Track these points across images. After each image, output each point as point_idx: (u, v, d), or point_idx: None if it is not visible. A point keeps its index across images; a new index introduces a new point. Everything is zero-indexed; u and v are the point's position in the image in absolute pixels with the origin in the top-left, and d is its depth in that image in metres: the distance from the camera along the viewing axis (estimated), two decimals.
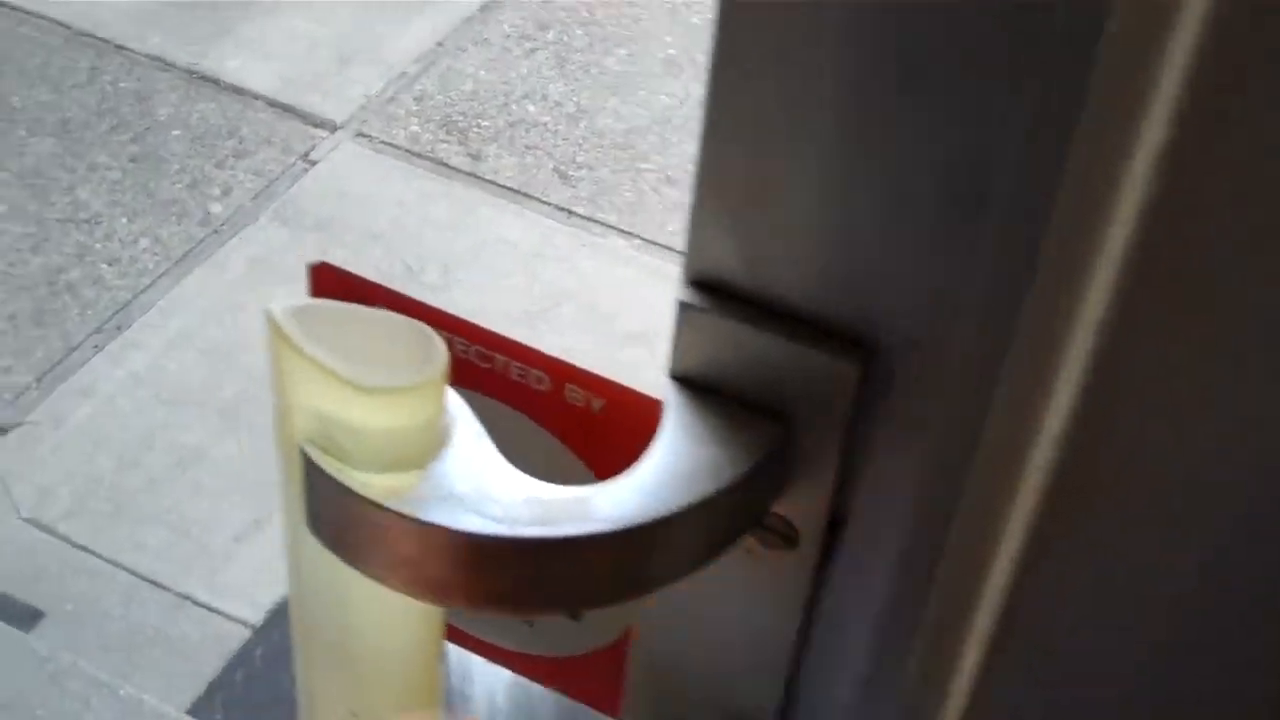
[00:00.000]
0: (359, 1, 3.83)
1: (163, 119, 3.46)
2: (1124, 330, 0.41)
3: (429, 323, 0.53)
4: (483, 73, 3.66)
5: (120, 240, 3.17)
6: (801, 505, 0.52)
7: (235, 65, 3.61)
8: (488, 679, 0.85)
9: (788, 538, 0.53)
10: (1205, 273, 0.40)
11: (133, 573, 2.57)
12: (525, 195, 3.35)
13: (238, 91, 3.55)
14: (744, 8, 0.44)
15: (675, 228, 3.24)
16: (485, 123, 3.53)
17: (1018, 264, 0.43)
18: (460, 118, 3.53)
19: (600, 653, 0.71)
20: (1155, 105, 0.37)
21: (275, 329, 0.48)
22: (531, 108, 3.58)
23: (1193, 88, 0.36)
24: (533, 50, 3.74)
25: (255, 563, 2.59)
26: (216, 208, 3.26)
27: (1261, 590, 0.45)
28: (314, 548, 0.50)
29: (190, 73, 3.58)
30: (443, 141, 3.47)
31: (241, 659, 2.17)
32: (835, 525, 0.53)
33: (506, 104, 3.58)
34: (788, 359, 0.49)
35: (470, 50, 3.72)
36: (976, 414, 0.47)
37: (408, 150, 3.44)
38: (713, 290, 0.50)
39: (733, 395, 0.50)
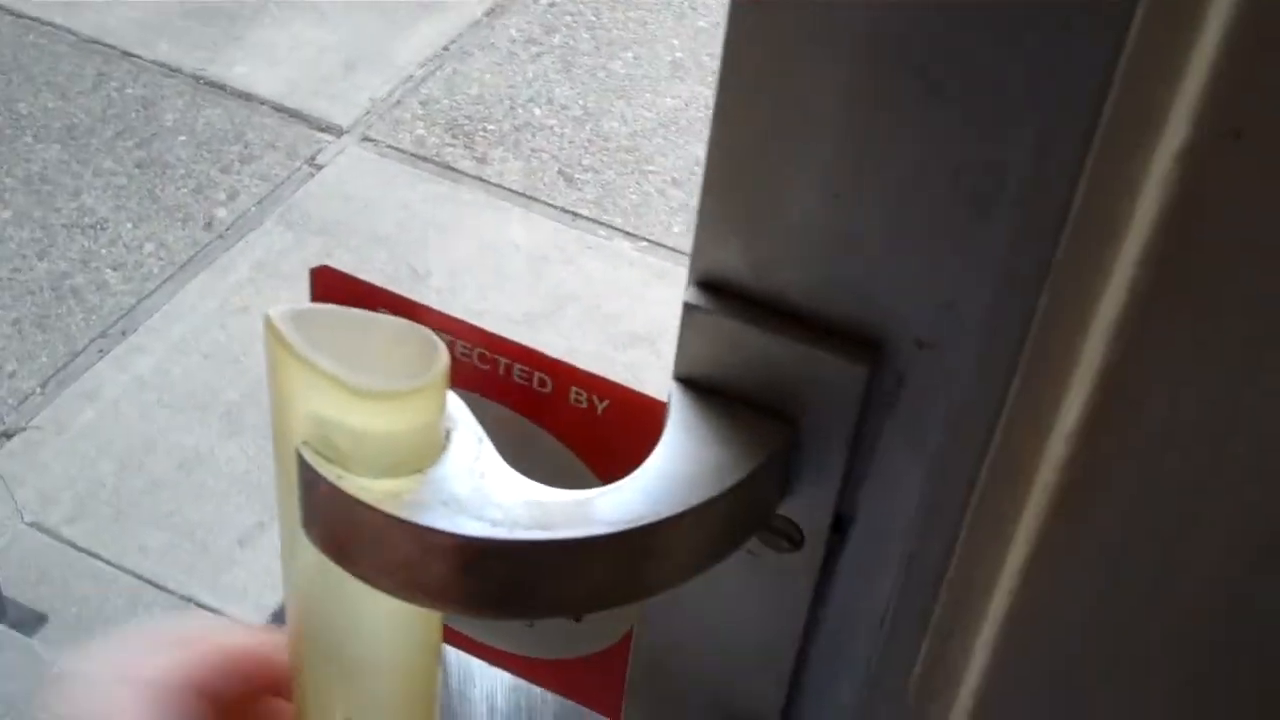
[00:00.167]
0: (365, 6, 3.83)
1: (169, 125, 3.46)
2: (1136, 336, 0.41)
3: (430, 325, 0.52)
4: (488, 77, 3.66)
5: (125, 245, 3.17)
6: (806, 507, 0.52)
7: (242, 71, 3.61)
8: (488, 681, 0.84)
9: (792, 539, 0.52)
10: (1219, 279, 0.39)
11: (136, 576, 2.57)
12: (531, 198, 3.35)
13: (244, 97, 3.55)
14: (754, 10, 0.43)
15: (680, 230, 3.24)
16: (491, 126, 3.53)
17: (1029, 267, 0.43)
18: (466, 121, 3.53)
19: (601, 654, 0.70)
20: (1174, 109, 0.37)
21: (273, 333, 0.47)
22: (537, 111, 3.58)
23: (1212, 93, 0.36)
24: (539, 54, 3.75)
25: (258, 565, 2.59)
26: (222, 212, 3.26)
27: (1271, 598, 0.44)
28: (310, 551, 0.50)
29: (196, 79, 3.59)
30: (448, 145, 3.47)
31: None
32: (840, 526, 0.52)
33: (512, 108, 3.58)
34: (794, 360, 0.48)
35: (476, 54, 3.72)
36: (984, 416, 0.46)
37: (413, 154, 3.44)
38: (718, 291, 0.49)
39: (738, 396, 0.50)
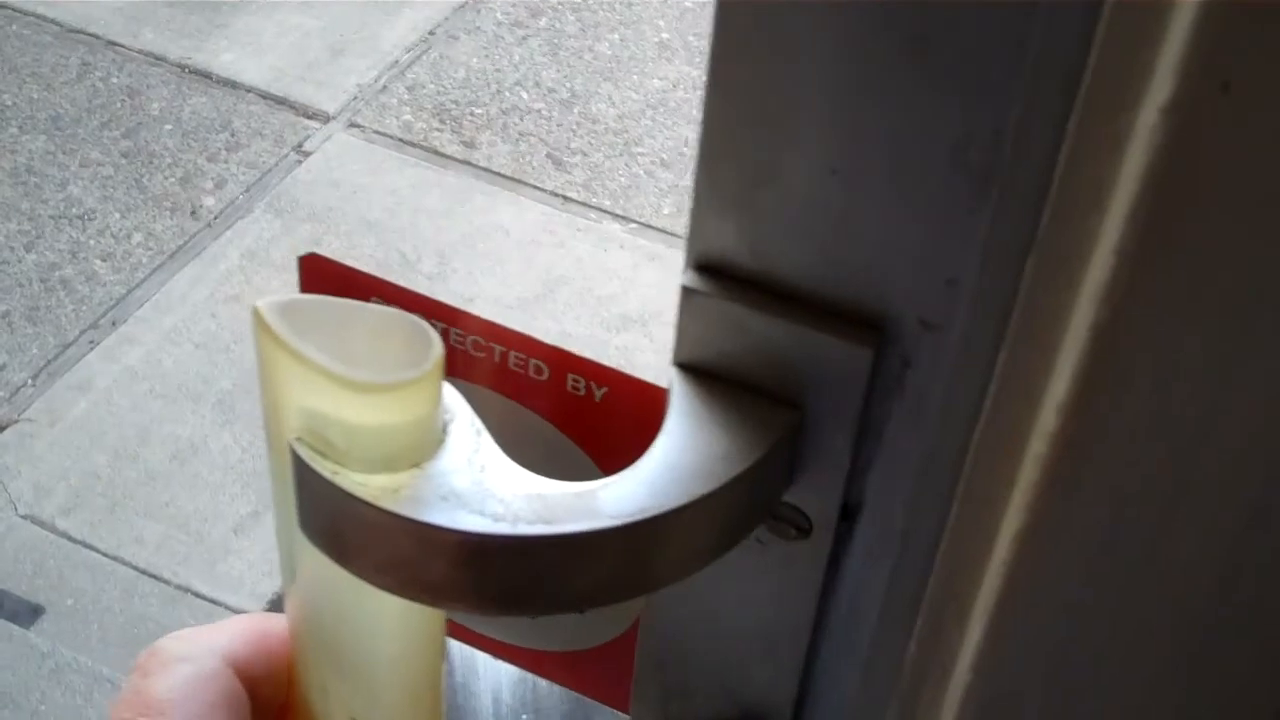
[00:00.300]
0: None
1: (155, 114, 3.45)
2: (1125, 298, 0.40)
3: (423, 313, 0.51)
4: (475, 60, 3.65)
5: (113, 235, 3.16)
6: (814, 494, 0.50)
7: (228, 59, 3.60)
8: (492, 675, 0.83)
9: (800, 527, 0.51)
10: (1208, 236, 0.38)
11: (132, 566, 2.57)
12: (519, 182, 3.34)
13: (230, 85, 3.54)
14: None
15: (670, 211, 3.23)
16: (478, 110, 3.51)
17: (1017, 234, 0.42)
18: (453, 106, 3.52)
19: (607, 646, 0.69)
20: (1160, 63, 0.36)
21: (262, 325, 0.46)
22: (524, 94, 3.57)
23: (1199, 56, 0.35)
24: (525, 37, 3.73)
25: (254, 554, 2.59)
26: (209, 201, 3.25)
27: (1264, 565, 0.44)
28: (308, 549, 0.49)
29: (182, 67, 3.57)
30: (436, 130, 3.45)
31: None
32: (849, 513, 0.51)
33: (499, 91, 3.57)
34: (797, 343, 0.47)
35: (462, 38, 3.71)
36: (975, 390, 0.45)
37: (401, 140, 3.43)
38: (716, 274, 0.48)
39: (740, 382, 0.49)
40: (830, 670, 0.57)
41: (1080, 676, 0.50)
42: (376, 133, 3.45)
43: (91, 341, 2.95)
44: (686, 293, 0.48)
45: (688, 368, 0.49)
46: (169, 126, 3.41)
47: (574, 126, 3.49)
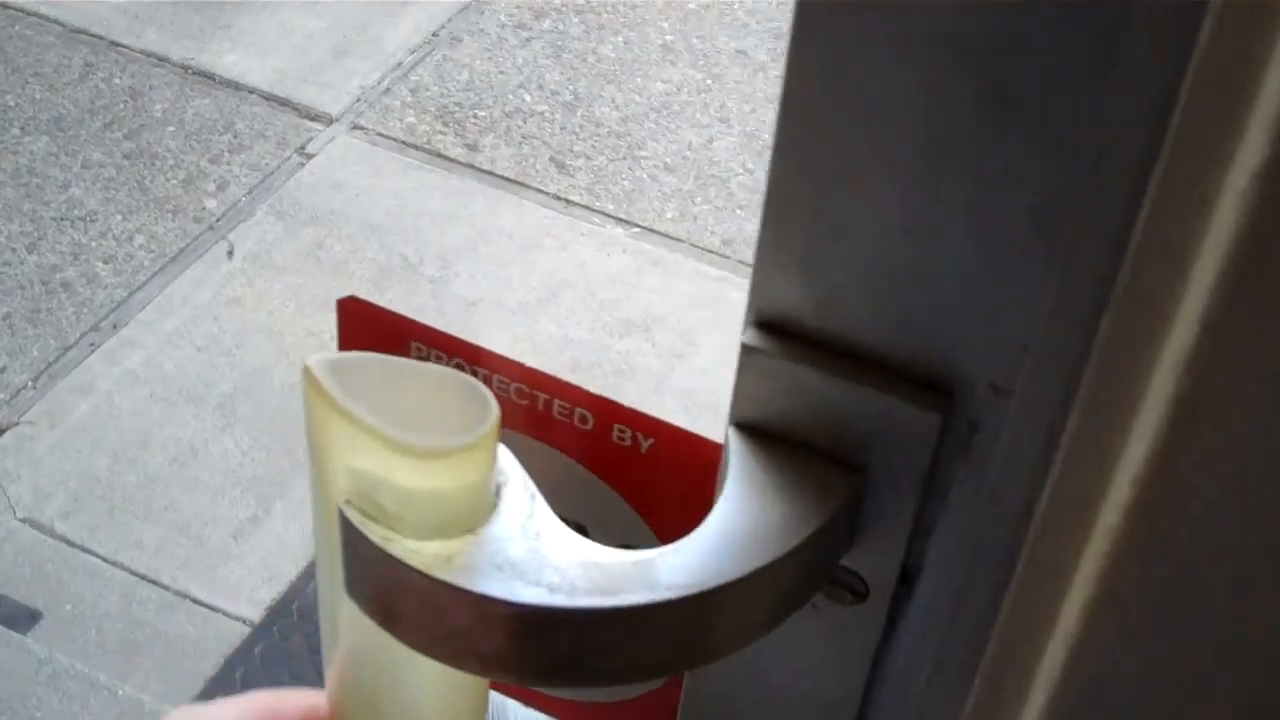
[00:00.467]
0: None
1: (158, 115, 3.43)
2: (1209, 368, 0.38)
3: (463, 357, 0.50)
4: (478, 63, 3.64)
5: (115, 238, 3.14)
6: (873, 558, 0.49)
7: (231, 60, 3.59)
8: None
9: (856, 591, 0.50)
10: None
11: (131, 571, 2.56)
12: (522, 185, 3.33)
13: (233, 86, 3.53)
14: (820, 31, 0.41)
15: (673, 215, 3.22)
16: (481, 113, 3.50)
17: (1092, 300, 0.40)
18: (456, 108, 3.51)
19: (645, 698, 0.67)
20: (1250, 126, 0.34)
21: (312, 383, 0.44)
22: (528, 97, 3.56)
23: None
24: (528, 39, 3.72)
25: (254, 559, 2.57)
26: (212, 203, 3.24)
27: None
28: (354, 611, 0.47)
29: (185, 68, 3.56)
30: (439, 133, 3.44)
31: (241, 656, 2.16)
32: (907, 577, 0.50)
33: (503, 94, 3.56)
34: (862, 405, 0.45)
35: (466, 40, 3.70)
36: (1044, 457, 0.44)
37: (404, 142, 3.42)
38: (778, 332, 0.46)
39: (801, 444, 0.47)
40: None
41: None
42: (380, 135, 3.44)
43: (92, 344, 2.93)
44: (746, 351, 0.46)
45: (746, 427, 0.48)
46: (171, 128, 3.40)
47: (577, 129, 3.48)
